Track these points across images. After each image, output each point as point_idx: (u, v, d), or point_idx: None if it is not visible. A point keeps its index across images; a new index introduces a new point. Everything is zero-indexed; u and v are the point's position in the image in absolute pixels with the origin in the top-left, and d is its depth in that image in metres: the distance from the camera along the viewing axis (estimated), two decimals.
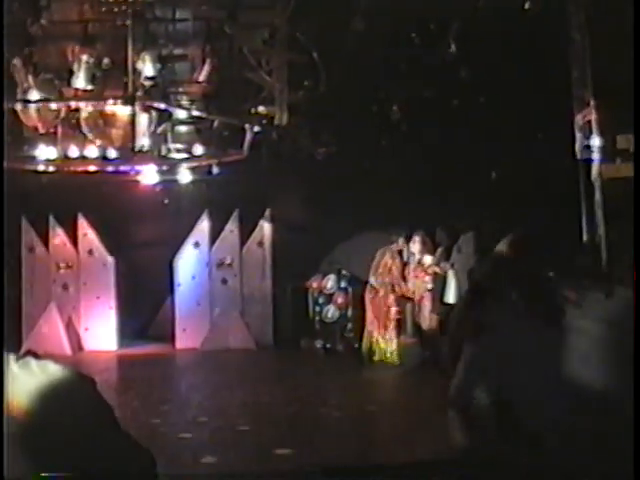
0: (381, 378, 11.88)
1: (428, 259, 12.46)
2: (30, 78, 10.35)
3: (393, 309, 12.41)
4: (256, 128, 10.99)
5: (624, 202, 6.86)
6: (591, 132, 7.02)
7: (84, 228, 14.90)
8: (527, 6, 7.85)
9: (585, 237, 7.21)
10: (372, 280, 12.64)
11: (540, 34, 8.20)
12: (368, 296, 12.65)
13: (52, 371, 1.96)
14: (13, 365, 1.93)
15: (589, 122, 7.06)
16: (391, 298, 12.45)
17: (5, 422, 1.84)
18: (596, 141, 6.93)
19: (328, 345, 13.80)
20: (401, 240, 12.59)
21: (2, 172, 9.24)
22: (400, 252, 12.63)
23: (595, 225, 7.02)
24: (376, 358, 12.33)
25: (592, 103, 7.01)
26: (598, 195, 6.96)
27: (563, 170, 8.15)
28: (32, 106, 10.47)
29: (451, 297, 11.96)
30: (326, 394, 10.56)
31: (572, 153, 7.34)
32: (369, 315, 12.54)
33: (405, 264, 12.54)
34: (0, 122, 9.69)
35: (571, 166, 7.43)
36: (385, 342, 12.33)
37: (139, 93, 10.07)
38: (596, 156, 6.97)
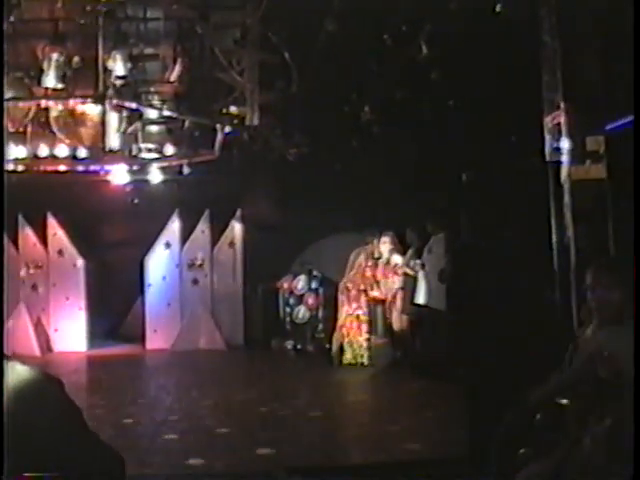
0: (351, 378, 11.90)
1: (398, 259, 12.50)
2: None
3: (365, 310, 12.44)
4: (227, 128, 10.96)
5: (594, 204, 6.91)
6: (561, 134, 7.05)
7: (54, 228, 14.81)
8: (498, 9, 7.87)
9: (554, 238, 7.25)
10: (346, 280, 12.67)
11: (511, 37, 8.24)
12: (341, 296, 12.67)
13: (19, 372, 1.94)
14: None
15: (559, 124, 7.09)
16: (363, 299, 12.48)
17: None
18: (566, 143, 6.96)
19: (299, 346, 13.81)
20: (376, 241, 12.62)
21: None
22: (373, 253, 12.67)
23: (564, 226, 7.05)
24: (347, 359, 12.34)
25: (562, 105, 7.04)
26: (567, 197, 7.00)
27: (532, 172, 8.20)
28: None
29: (421, 298, 11.99)
30: (292, 394, 10.58)
31: (542, 155, 7.37)
32: (341, 315, 12.56)
33: (375, 265, 12.59)
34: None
35: (540, 168, 7.47)
36: (357, 343, 12.35)
37: (110, 92, 10.00)
38: (565, 158, 7.00)
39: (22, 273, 14.69)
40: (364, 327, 12.39)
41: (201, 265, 15.02)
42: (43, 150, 10.71)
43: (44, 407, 1.93)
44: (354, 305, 12.47)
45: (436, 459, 6.93)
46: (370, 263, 12.56)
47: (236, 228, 15.10)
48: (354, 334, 12.38)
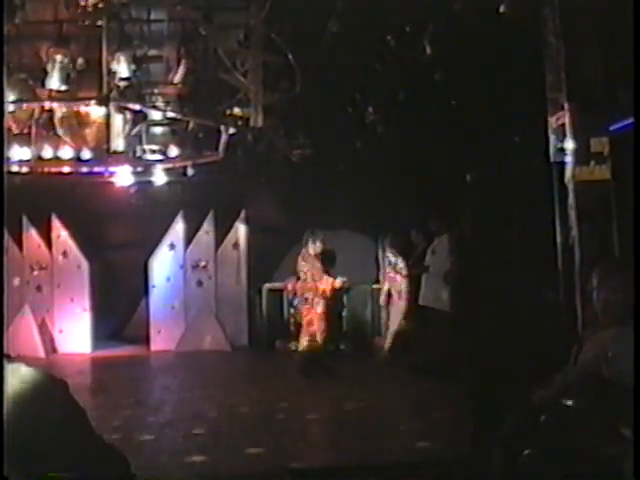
0: (352, 378, 11.88)
1: (400, 261, 12.55)
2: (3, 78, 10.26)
3: (304, 309, 12.24)
4: (231, 130, 10.96)
5: (598, 204, 6.92)
6: (565, 135, 7.05)
7: (58, 229, 14.81)
8: (502, 9, 7.87)
9: (559, 239, 7.26)
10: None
11: (515, 37, 8.24)
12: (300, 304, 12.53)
13: (24, 374, 1.94)
14: None
15: (563, 125, 7.09)
16: (319, 299, 12.25)
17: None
18: (570, 144, 6.96)
19: None
20: (310, 241, 12.25)
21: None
22: (307, 253, 12.34)
23: (568, 227, 7.05)
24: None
25: (566, 106, 7.04)
26: (572, 197, 7.00)
27: (537, 172, 8.20)
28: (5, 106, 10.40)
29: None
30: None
31: (546, 156, 7.37)
32: (303, 320, 12.40)
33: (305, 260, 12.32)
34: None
35: (545, 169, 7.47)
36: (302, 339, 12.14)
37: (114, 94, 10.01)
38: (570, 159, 7.00)
39: (26, 274, 14.72)
40: (322, 323, 12.14)
41: (205, 266, 15.02)
42: (47, 152, 10.73)
43: (49, 409, 1.93)
44: (308, 307, 12.24)
45: (438, 459, 6.92)
46: (302, 262, 12.30)
47: (240, 229, 15.09)
48: (313, 334, 12.14)
